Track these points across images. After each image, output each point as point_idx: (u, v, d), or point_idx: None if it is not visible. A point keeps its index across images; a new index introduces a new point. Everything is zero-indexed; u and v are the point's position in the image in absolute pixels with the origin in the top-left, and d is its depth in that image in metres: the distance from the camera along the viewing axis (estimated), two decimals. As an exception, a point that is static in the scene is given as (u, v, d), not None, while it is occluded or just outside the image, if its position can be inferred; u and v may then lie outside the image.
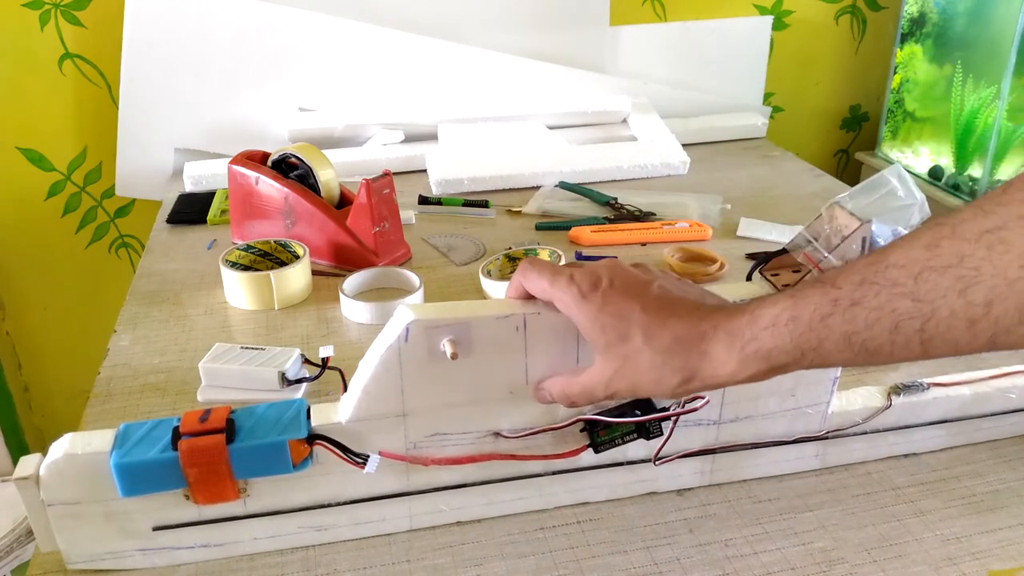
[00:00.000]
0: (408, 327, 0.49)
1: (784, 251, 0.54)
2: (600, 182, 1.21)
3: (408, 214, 1.07)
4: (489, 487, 0.57)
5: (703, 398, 0.54)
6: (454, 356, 0.50)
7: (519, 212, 1.11)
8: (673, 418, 0.55)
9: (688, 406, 0.55)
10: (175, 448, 0.48)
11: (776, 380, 0.57)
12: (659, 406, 0.56)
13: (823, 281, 0.43)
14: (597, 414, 0.55)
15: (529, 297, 0.52)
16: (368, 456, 0.51)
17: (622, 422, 0.55)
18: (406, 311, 0.50)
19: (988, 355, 0.76)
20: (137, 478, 0.48)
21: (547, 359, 0.53)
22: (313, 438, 0.51)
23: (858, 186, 0.80)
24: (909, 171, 1.46)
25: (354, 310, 0.83)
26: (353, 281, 0.87)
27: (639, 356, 0.47)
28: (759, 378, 0.46)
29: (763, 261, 0.54)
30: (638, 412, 0.55)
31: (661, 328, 0.46)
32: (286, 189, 0.94)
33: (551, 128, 1.35)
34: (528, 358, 0.53)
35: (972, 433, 0.64)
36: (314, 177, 0.95)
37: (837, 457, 0.62)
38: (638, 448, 0.58)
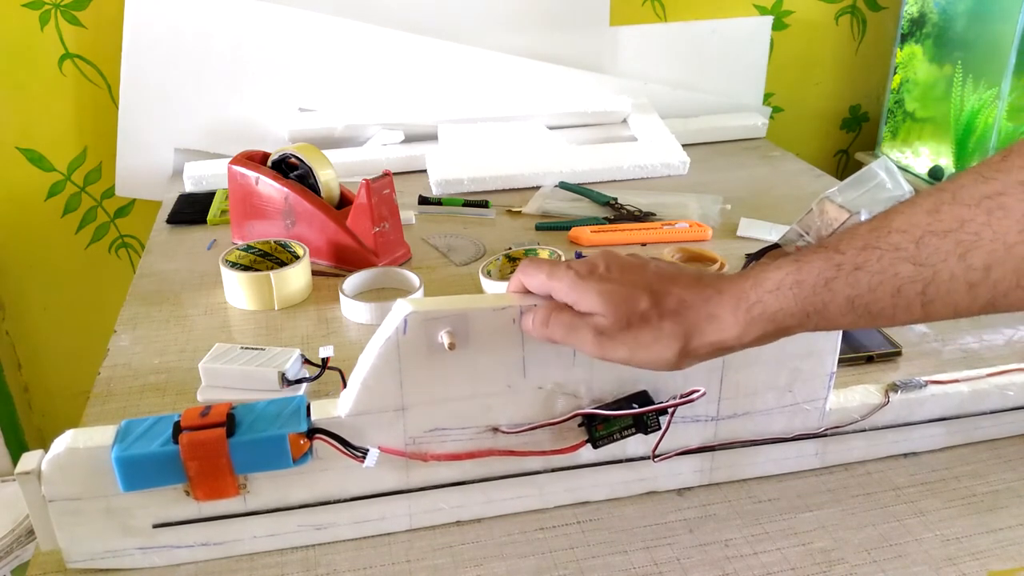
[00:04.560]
0: (406, 319, 0.50)
1: (777, 246, 0.54)
2: (600, 182, 1.21)
3: (408, 214, 1.07)
4: (488, 485, 0.57)
5: (699, 390, 0.54)
6: (451, 347, 0.50)
7: (519, 212, 1.11)
8: (670, 411, 0.55)
9: (685, 398, 0.55)
10: (176, 442, 0.48)
11: (773, 375, 0.57)
12: (657, 400, 0.56)
13: (826, 246, 0.44)
14: (595, 408, 0.55)
15: (529, 294, 0.52)
16: (367, 450, 0.51)
17: (620, 415, 0.55)
18: (404, 304, 0.50)
19: (986, 353, 0.76)
20: (138, 472, 0.49)
21: (544, 352, 0.53)
22: (313, 432, 0.51)
23: (847, 180, 0.81)
24: (909, 171, 1.46)
25: (354, 310, 0.83)
26: (353, 281, 0.87)
27: (643, 323, 0.46)
28: (765, 340, 0.46)
29: (757, 256, 0.54)
30: (635, 405, 0.55)
31: (666, 295, 0.47)
32: (286, 189, 0.94)
33: (551, 128, 1.35)
34: (525, 351, 0.53)
35: (971, 432, 0.64)
36: (314, 177, 0.95)
37: (836, 456, 0.62)
38: (637, 445, 0.58)
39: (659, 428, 0.55)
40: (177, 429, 0.49)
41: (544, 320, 0.50)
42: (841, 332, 0.58)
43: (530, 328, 0.51)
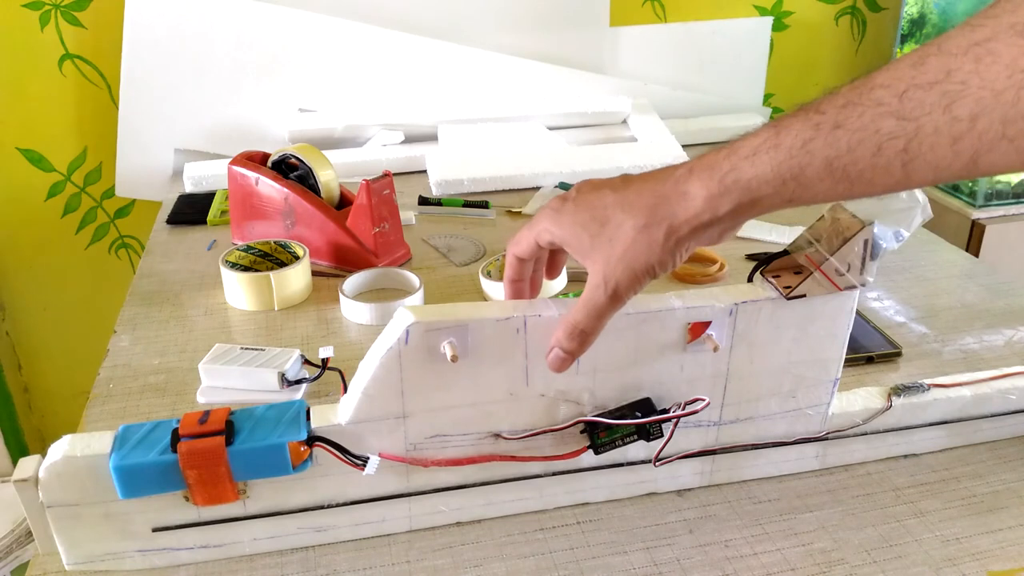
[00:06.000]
0: (408, 329, 0.49)
1: (786, 252, 0.54)
2: (600, 182, 1.21)
3: (408, 215, 1.07)
4: (489, 488, 0.57)
5: (704, 400, 0.54)
6: (454, 359, 0.50)
7: (519, 213, 1.11)
8: (674, 420, 0.55)
9: (689, 408, 0.54)
10: (174, 450, 0.48)
11: (777, 382, 0.57)
12: (660, 406, 0.56)
13: (806, 108, 0.42)
14: (597, 415, 0.55)
15: (527, 260, 0.52)
16: (368, 458, 0.51)
17: (623, 424, 0.54)
18: (406, 313, 0.50)
19: (987, 354, 0.76)
20: (136, 480, 0.48)
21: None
22: (313, 440, 0.51)
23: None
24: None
25: (354, 311, 0.83)
26: (353, 282, 0.87)
27: (623, 229, 0.46)
28: (742, 213, 0.45)
29: (764, 262, 0.54)
30: (639, 414, 0.55)
31: (636, 195, 0.46)
32: (286, 190, 0.94)
33: (551, 129, 1.35)
34: (528, 360, 0.53)
35: (972, 434, 0.64)
36: (314, 178, 0.95)
37: (837, 458, 0.62)
38: (638, 449, 0.57)
39: (662, 435, 0.55)
40: (175, 437, 0.48)
41: (572, 332, 0.49)
42: (847, 339, 0.58)
43: (560, 356, 0.50)
